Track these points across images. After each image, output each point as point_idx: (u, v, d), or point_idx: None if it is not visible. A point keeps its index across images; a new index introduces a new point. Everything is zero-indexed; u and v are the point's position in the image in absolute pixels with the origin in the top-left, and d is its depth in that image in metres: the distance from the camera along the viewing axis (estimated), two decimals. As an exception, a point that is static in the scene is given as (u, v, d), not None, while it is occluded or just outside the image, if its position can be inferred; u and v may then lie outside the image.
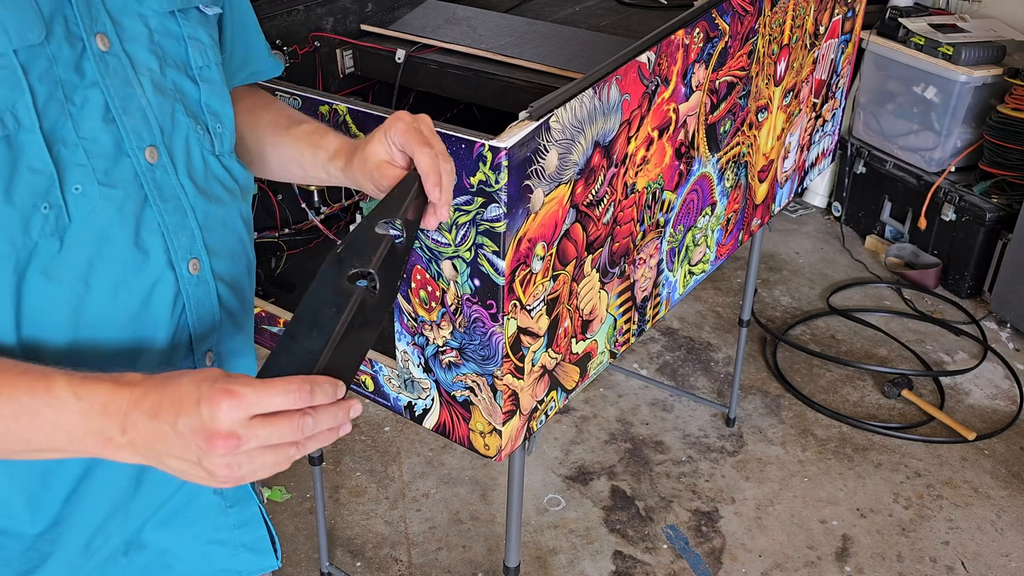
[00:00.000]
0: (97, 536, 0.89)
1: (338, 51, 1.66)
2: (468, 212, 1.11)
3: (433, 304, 1.23)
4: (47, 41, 0.75)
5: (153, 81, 0.83)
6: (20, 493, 0.82)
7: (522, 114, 1.09)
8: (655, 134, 1.37)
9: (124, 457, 0.71)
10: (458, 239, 1.14)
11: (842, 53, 2.07)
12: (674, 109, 1.40)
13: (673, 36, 1.33)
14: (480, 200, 1.09)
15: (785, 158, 1.96)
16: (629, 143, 1.31)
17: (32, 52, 0.74)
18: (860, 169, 3.60)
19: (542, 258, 1.19)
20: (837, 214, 3.76)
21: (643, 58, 1.27)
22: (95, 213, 0.78)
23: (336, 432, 0.71)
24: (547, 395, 1.32)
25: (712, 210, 1.68)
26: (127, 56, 0.81)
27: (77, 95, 0.77)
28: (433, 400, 1.31)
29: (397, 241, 0.84)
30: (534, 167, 1.10)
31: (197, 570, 1.00)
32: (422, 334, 1.27)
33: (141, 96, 0.82)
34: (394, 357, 1.32)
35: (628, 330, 1.51)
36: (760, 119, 1.74)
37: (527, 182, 1.10)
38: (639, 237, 1.44)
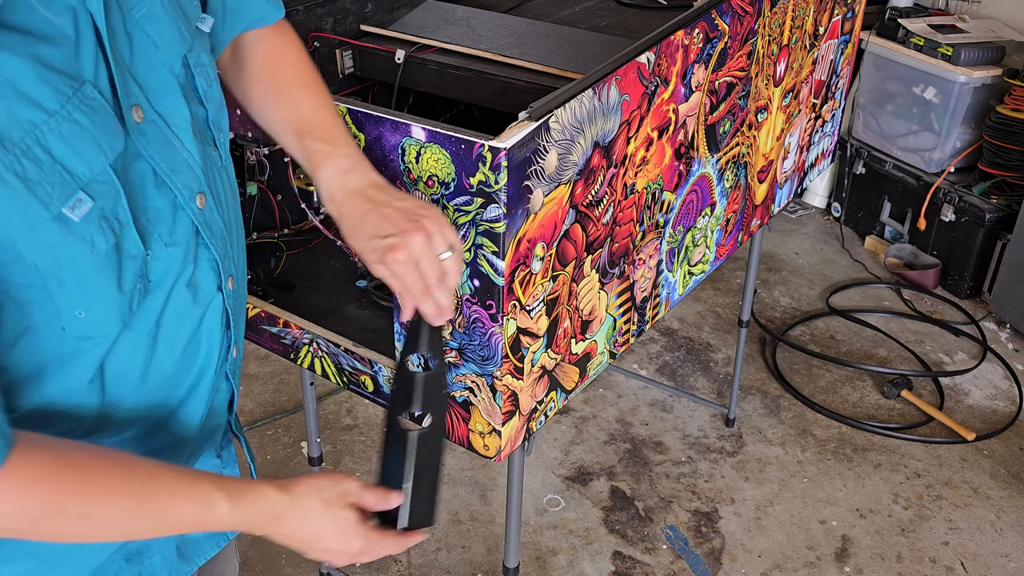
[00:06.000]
0: None
1: (338, 52, 1.66)
2: (468, 212, 1.11)
3: (433, 304, 1.23)
4: None
5: (190, 126, 0.83)
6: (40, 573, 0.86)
7: (522, 114, 1.09)
8: (655, 135, 1.38)
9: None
10: (458, 239, 1.14)
11: (841, 54, 2.07)
12: (674, 109, 1.40)
13: (673, 37, 1.33)
14: (479, 200, 1.09)
15: (784, 159, 1.96)
16: (629, 144, 1.31)
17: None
18: (859, 170, 3.60)
19: (542, 258, 1.19)
20: (836, 215, 3.76)
21: (643, 59, 1.27)
22: (167, 271, 0.81)
23: None
24: (547, 395, 1.32)
25: (712, 210, 1.68)
26: (160, 116, 0.80)
27: (130, 173, 0.77)
28: (433, 400, 1.31)
29: (431, 364, 1.00)
30: (534, 167, 1.10)
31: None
32: (422, 334, 1.27)
33: (181, 149, 0.82)
34: (394, 357, 1.32)
35: (628, 331, 1.51)
36: (760, 120, 1.74)
37: (527, 182, 1.10)
38: (639, 238, 1.44)
